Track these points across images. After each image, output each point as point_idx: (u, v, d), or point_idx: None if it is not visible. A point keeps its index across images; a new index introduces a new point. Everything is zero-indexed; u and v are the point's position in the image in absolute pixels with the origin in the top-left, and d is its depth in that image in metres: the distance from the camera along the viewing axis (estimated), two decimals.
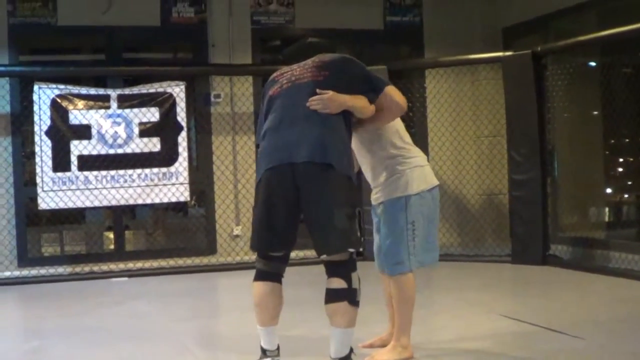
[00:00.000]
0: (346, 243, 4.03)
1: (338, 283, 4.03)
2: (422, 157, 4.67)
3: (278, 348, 4.35)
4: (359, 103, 4.24)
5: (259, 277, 4.27)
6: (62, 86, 8.40)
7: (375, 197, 4.67)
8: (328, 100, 4.11)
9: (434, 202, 4.64)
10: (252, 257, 8.84)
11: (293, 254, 4.42)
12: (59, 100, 8.39)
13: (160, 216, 10.16)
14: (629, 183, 9.43)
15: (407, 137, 4.66)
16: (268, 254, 4.25)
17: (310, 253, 7.50)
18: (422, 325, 5.23)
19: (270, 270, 4.26)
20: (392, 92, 4.37)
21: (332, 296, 4.05)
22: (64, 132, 8.39)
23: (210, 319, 6.54)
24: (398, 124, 4.64)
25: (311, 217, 4.10)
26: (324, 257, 4.08)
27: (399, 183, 4.51)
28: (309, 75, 4.25)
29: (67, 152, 8.40)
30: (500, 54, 8.76)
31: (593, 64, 9.29)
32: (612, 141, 9.34)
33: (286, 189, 4.08)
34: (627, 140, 9.38)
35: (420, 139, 9.73)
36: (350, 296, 4.03)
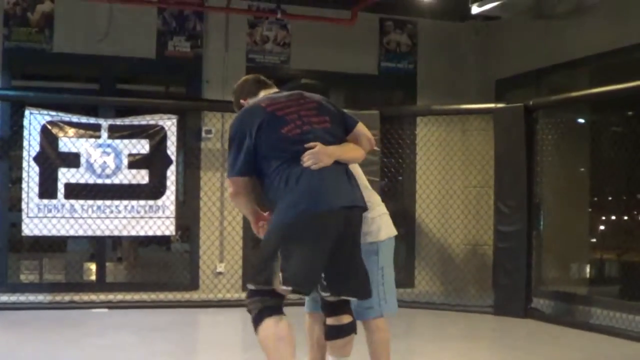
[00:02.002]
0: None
1: (348, 318, 4.29)
2: (383, 204, 4.73)
3: None
4: (348, 154, 4.29)
5: (275, 312, 4.08)
6: (53, 113, 8.38)
7: None
8: (319, 154, 4.11)
9: (392, 250, 4.70)
10: (235, 294, 8.93)
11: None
12: (49, 127, 8.37)
13: (140, 250, 10.11)
14: (613, 241, 9.45)
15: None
16: (275, 292, 4.09)
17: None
18: None
19: (280, 305, 4.15)
20: (363, 129, 4.46)
21: (345, 330, 4.30)
22: (52, 159, 8.35)
23: (190, 354, 6.48)
24: (360, 170, 4.67)
25: (349, 261, 4.20)
26: (340, 297, 4.23)
27: (372, 229, 4.52)
28: (316, 120, 4.27)
29: (55, 179, 8.35)
30: (492, 105, 8.80)
31: (582, 120, 9.36)
32: (598, 198, 9.38)
33: (337, 232, 4.10)
34: (612, 198, 9.43)
35: (409, 186, 9.77)
36: (355, 327, 4.33)
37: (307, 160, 4.09)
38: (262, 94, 4.51)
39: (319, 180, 4.08)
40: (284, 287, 3.99)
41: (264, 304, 4.07)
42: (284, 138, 4.17)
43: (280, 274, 3.99)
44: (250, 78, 4.78)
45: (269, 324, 4.03)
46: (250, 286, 4.16)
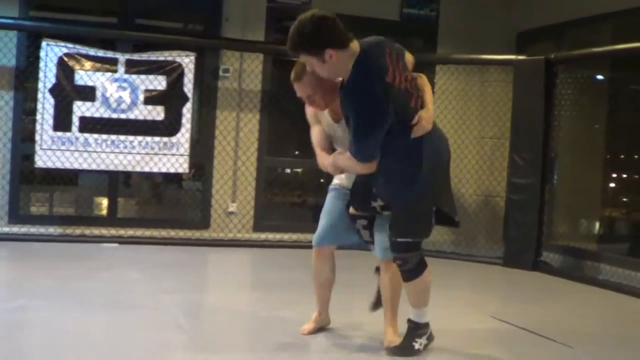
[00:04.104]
0: None
1: None
2: None
3: None
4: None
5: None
6: (70, 45, 8.33)
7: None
8: (426, 126, 4.22)
9: None
10: (245, 234, 8.94)
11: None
12: (66, 59, 8.32)
13: (152, 187, 10.11)
14: (624, 199, 9.44)
15: None
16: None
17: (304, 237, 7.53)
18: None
19: None
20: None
21: None
22: (68, 91, 8.32)
23: (197, 292, 6.50)
24: None
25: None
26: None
27: None
28: (411, 84, 4.28)
29: (70, 112, 8.33)
30: (512, 57, 8.74)
31: (602, 77, 9.28)
32: (611, 157, 9.35)
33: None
34: (625, 157, 9.40)
35: None
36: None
37: (418, 133, 4.16)
38: (352, 46, 4.12)
39: (438, 140, 4.36)
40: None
41: (422, 255, 4.45)
42: (412, 111, 4.17)
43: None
44: (338, 21, 4.13)
45: (428, 272, 4.47)
46: (407, 239, 4.35)
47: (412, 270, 4.41)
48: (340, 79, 4.21)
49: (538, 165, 8.24)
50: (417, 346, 4.53)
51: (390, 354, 4.49)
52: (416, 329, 4.54)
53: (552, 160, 8.78)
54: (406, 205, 4.31)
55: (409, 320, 4.57)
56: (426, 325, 4.58)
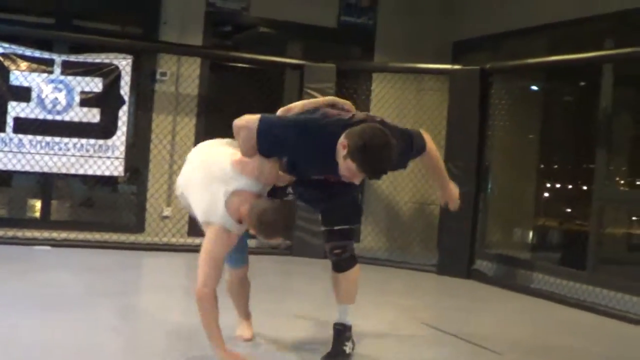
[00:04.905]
0: None
1: None
2: None
3: None
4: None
5: None
6: (6, 45, 8.23)
7: None
8: None
9: None
10: (180, 239, 8.90)
11: None
12: (1, 59, 8.22)
13: (86, 190, 10.01)
14: (556, 209, 9.60)
15: None
16: None
17: None
18: None
19: None
20: None
21: None
22: (2, 91, 8.22)
23: (129, 295, 6.45)
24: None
25: None
26: None
27: None
28: None
29: (4, 112, 8.23)
30: (448, 66, 8.83)
31: (536, 88, 9.44)
32: (545, 166, 9.50)
33: None
34: (558, 167, 9.56)
35: None
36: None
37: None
38: None
39: None
40: None
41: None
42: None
43: None
44: None
45: (358, 266, 4.60)
46: (348, 226, 4.55)
47: (348, 259, 4.52)
48: None
49: (472, 174, 8.33)
50: (347, 350, 4.57)
51: None
52: (344, 331, 4.57)
53: (486, 169, 8.90)
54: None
55: (337, 324, 4.59)
56: (351, 328, 4.62)
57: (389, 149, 3.90)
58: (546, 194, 9.67)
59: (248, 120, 4.12)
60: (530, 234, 9.65)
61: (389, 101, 9.55)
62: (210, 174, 4.19)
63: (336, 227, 4.51)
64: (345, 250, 4.52)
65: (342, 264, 4.54)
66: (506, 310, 6.94)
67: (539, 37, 8.76)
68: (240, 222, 4.07)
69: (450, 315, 6.45)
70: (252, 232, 4.14)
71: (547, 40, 8.79)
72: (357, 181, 4.08)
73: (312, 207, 4.85)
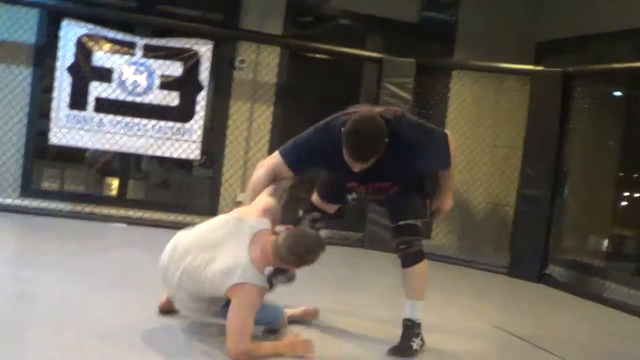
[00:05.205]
0: None
1: None
2: None
3: None
4: None
5: None
6: (90, 26, 8.38)
7: None
8: None
9: None
10: None
11: None
12: (85, 40, 8.37)
13: (162, 171, 10.14)
14: (634, 218, 9.40)
15: None
16: None
17: None
18: None
19: None
20: None
21: None
22: (85, 71, 8.38)
23: None
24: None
25: None
26: None
27: None
28: None
29: (86, 92, 8.39)
30: (530, 67, 8.70)
31: (619, 93, 9.25)
32: (624, 174, 9.31)
33: None
34: (638, 176, 9.36)
35: None
36: None
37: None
38: None
39: None
40: None
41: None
42: None
43: None
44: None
45: (426, 262, 4.66)
46: (416, 221, 4.62)
47: (415, 254, 4.57)
48: None
49: (549, 178, 8.20)
50: (414, 346, 4.54)
51: (390, 355, 4.48)
52: (413, 327, 4.57)
53: (564, 173, 8.75)
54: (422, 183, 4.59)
55: (406, 319, 4.59)
56: (420, 325, 4.60)
57: (370, 133, 4.10)
58: (624, 203, 9.47)
59: (268, 159, 4.51)
60: (606, 242, 9.46)
61: (467, 100, 9.45)
62: (215, 239, 4.17)
63: (401, 223, 4.57)
64: (411, 245, 4.55)
65: (408, 259, 4.57)
66: (576, 317, 6.83)
67: (624, 41, 8.57)
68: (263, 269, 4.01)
69: (518, 318, 6.38)
70: (290, 267, 4.16)
71: (633, 44, 8.59)
72: (356, 169, 4.20)
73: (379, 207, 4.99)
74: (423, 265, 4.60)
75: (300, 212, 4.90)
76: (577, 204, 9.16)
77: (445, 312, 6.07)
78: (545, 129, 8.26)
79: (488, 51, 9.36)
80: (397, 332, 4.60)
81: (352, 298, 6.22)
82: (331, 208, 4.93)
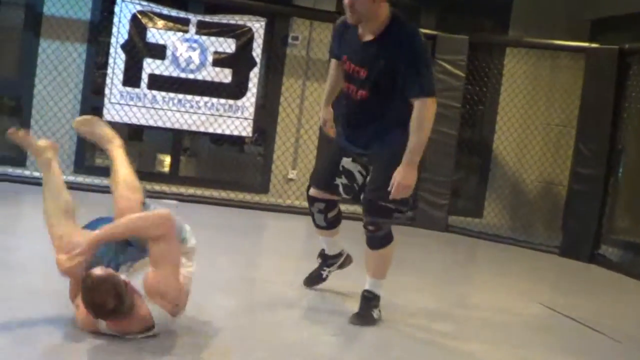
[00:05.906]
0: None
1: None
2: None
3: None
4: None
5: None
6: (144, 3, 8.44)
7: None
8: None
9: None
10: (304, 202, 8.92)
11: None
12: (139, 16, 8.43)
13: (214, 148, 10.19)
14: None
15: None
16: None
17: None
18: (458, 298, 5.22)
19: None
20: None
21: None
22: (139, 48, 8.45)
23: (254, 256, 6.55)
24: None
25: None
26: None
27: None
28: None
29: (140, 68, 8.47)
30: (586, 44, 8.58)
31: None
32: None
33: None
34: None
35: (489, 116, 9.65)
36: None
37: None
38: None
39: None
40: None
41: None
42: None
43: None
44: None
45: (394, 245, 4.58)
46: (390, 205, 4.37)
47: (382, 237, 4.49)
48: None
49: (604, 157, 8.09)
50: (375, 316, 4.56)
51: (352, 322, 4.49)
52: (372, 299, 4.58)
53: (619, 152, 8.62)
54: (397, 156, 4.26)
55: (366, 290, 4.58)
56: (379, 298, 4.59)
57: None
58: None
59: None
60: None
61: (521, 77, 9.35)
62: None
63: (380, 203, 4.37)
64: (380, 229, 4.45)
65: (374, 242, 4.52)
66: (629, 299, 6.76)
67: None
68: None
69: (569, 298, 6.33)
70: None
71: None
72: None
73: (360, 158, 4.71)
74: (389, 249, 4.54)
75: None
76: (632, 183, 9.04)
77: (495, 291, 6.06)
78: (600, 107, 8.14)
79: (542, 29, 9.25)
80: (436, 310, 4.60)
81: (396, 277, 6.22)
82: (325, 195, 4.75)
